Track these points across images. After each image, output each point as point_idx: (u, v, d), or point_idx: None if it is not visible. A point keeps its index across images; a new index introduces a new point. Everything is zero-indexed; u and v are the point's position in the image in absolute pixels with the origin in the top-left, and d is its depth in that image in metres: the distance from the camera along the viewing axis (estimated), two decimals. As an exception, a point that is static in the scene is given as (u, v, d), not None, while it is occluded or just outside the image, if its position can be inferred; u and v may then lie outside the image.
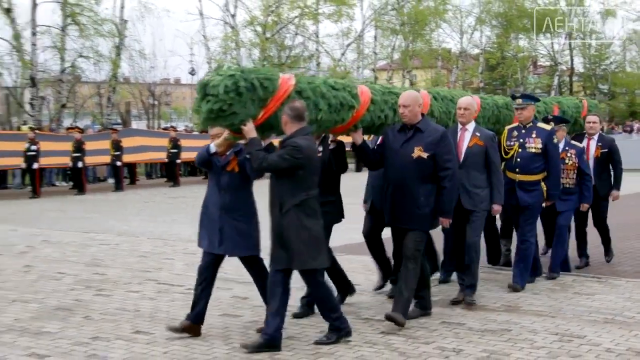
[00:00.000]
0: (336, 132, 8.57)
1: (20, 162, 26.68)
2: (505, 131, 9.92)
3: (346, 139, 8.81)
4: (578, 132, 12.01)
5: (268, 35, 45.41)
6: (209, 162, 7.84)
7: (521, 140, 9.64)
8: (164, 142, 31.53)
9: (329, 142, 8.68)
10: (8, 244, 14.73)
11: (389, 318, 7.96)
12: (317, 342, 7.48)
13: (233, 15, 45.46)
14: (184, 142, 31.45)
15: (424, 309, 8.63)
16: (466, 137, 8.99)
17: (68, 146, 27.31)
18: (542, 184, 9.73)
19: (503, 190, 9.13)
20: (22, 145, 26.14)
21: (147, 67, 44.23)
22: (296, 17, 46.26)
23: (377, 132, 8.90)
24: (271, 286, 7.38)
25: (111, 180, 30.56)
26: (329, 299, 7.61)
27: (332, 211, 8.54)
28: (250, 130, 7.08)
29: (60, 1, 37.12)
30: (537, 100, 10.27)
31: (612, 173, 11.67)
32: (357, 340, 7.78)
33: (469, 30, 51.15)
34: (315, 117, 7.65)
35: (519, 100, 9.74)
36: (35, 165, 25.83)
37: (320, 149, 8.38)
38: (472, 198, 8.94)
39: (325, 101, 7.73)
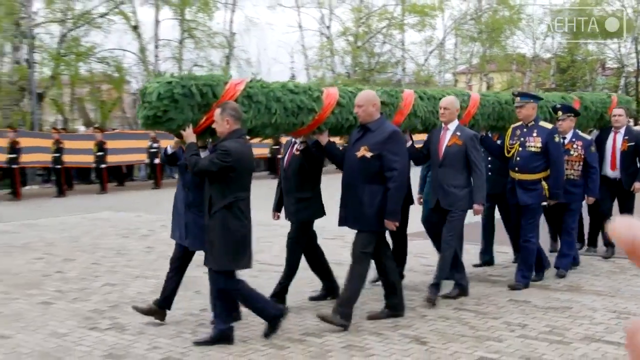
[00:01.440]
0: (299, 134, 7.93)
1: (144, 157, 27.55)
2: (510, 130, 9.07)
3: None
4: (605, 127, 11.07)
5: (359, 44, 45.39)
6: (173, 161, 7.76)
7: (522, 139, 8.74)
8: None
9: (299, 143, 8.07)
10: (134, 228, 15.19)
11: (321, 318, 7.32)
12: (266, 335, 7.01)
13: (328, 27, 45.59)
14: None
15: (395, 310, 7.73)
16: (447, 136, 8.25)
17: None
18: (543, 183, 8.72)
19: (484, 190, 8.25)
20: (146, 144, 26.90)
21: (253, 73, 44.54)
22: (384, 27, 46.20)
23: (347, 133, 8.08)
24: (210, 284, 7.05)
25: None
26: (252, 297, 7.00)
27: (309, 207, 8.10)
28: (188, 135, 6.68)
29: (179, 18, 37.78)
30: (538, 98, 9.26)
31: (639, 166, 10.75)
32: (432, 315, 7.81)
33: (541, 37, 50.20)
34: (269, 121, 7.14)
35: (517, 99, 8.90)
36: (157, 161, 26.37)
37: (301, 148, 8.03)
38: (449, 197, 8.19)
39: (280, 105, 7.17)
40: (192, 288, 8.75)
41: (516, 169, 8.78)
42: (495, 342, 6.82)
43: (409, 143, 8.43)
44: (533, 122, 8.75)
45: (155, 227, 14.91)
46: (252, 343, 7.00)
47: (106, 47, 36.62)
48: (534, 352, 6.52)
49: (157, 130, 7.03)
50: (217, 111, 6.54)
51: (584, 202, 9.95)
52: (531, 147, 8.63)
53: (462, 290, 8.53)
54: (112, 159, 26.89)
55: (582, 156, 9.43)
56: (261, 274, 9.18)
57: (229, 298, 7.03)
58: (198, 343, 6.87)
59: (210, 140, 7.14)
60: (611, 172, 10.40)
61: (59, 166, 24.56)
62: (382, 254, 7.68)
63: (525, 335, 7.03)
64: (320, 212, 8.35)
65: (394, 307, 7.71)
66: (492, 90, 37.17)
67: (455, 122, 8.28)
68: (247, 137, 7.09)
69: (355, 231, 7.57)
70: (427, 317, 7.77)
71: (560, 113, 9.43)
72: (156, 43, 37.49)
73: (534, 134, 8.64)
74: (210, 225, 6.78)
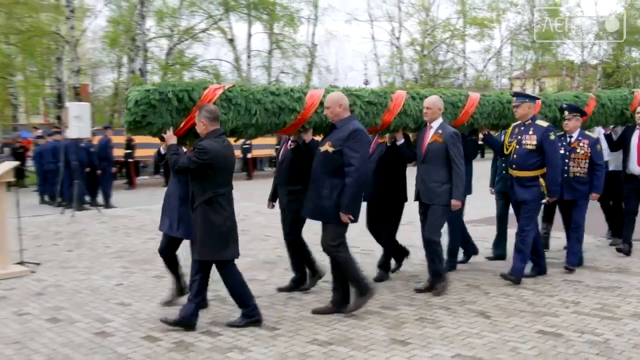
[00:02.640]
0: (284, 133, 7.57)
1: (238, 153, 27.77)
2: (510, 128, 8.45)
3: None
4: (627, 124, 10.20)
5: (425, 52, 45.21)
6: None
7: (519, 137, 8.13)
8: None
9: (291, 140, 7.65)
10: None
11: (314, 312, 7.04)
12: (229, 324, 6.69)
13: (398, 38, 45.62)
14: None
15: (336, 305, 7.09)
16: (429, 134, 7.69)
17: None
18: (541, 180, 8.02)
19: (463, 186, 7.63)
20: (240, 141, 27.04)
21: (331, 79, 44.53)
22: (447, 37, 46.03)
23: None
24: (190, 273, 6.75)
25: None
26: (241, 288, 6.71)
27: (300, 199, 7.48)
28: (169, 137, 6.42)
29: (268, 32, 38.10)
30: (534, 98, 8.51)
31: None
32: (494, 292, 7.71)
33: (589, 45, 49.18)
34: (250, 121, 6.83)
35: (514, 99, 8.26)
36: (249, 155, 26.70)
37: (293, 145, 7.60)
38: (429, 192, 7.66)
39: (260, 106, 6.82)
40: (282, 266, 8.76)
41: (514, 166, 8.20)
42: (551, 317, 6.69)
43: (401, 142, 8.07)
44: (530, 121, 8.14)
45: (249, 213, 15.02)
46: (334, 316, 6.98)
47: (206, 58, 37.35)
48: (587, 326, 6.37)
49: (140, 134, 6.79)
50: (196, 113, 6.41)
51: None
52: (527, 144, 8.02)
53: (440, 278, 7.83)
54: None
55: (588, 154, 8.68)
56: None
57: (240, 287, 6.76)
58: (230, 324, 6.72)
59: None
60: (637, 168, 9.62)
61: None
62: None
63: (579, 312, 6.88)
64: None
65: (338, 303, 7.09)
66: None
67: (439, 121, 7.72)
68: (225, 137, 6.65)
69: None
70: (490, 294, 7.68)
71: (566, 113, 8.82)
72: (248, 53, 38.00)
73: (530, 132, 8.06)
74: (193, 219, 6.60)
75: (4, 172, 9.35)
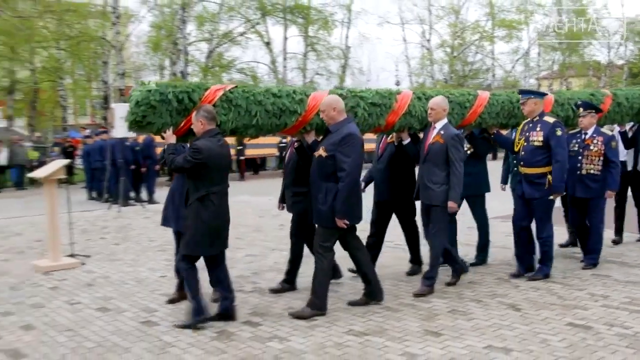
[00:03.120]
0: (286, 134, 7.39)
1: (275, 151, 27.91)
2: (521, 125, 8.06)
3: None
4: None
5: (455, 54, 44.91)
6: None
7: (527, 134, 7.77)
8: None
9: (295, 142, 7.46)
10: (267, 209, 15.34)
11: (291, 315, 6.71)
12: (177, 326, 6.47)
13: (428, 40, 45.36)
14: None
15: (370, 297, 7.03)
16: (432, 134, 7.39)
17: (275, 140, 27.93)
18: (549, 177, 7.62)
19: (460, 189, 7.21)
20: (277, 139, 27.18)
21: (364, 80, 44.35)
22: (476, 39, 45.63)
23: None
24: (179, 272, 6.84)
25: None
26: (193, 286, 6.46)
27: (304, 200, 7.39)
28: (168, 137, 6.35)
29: (303, 35, 38.10)
30: (540, 94, 7.97)
31: None
32: (524, 286, 7.62)
33: (615, 46, 48.45)
34: (250, 122, 6.68)
35: (520, 96, 7.98)
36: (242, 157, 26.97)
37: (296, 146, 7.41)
38: (427, 192, 7.36)
39: (261, 107, 6.67)
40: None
41: (522, 163, 7.84)
42: (581, 310, 6.59)
43: (407, 141, 7.82)
44: (538, 117, 7.76)
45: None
46: (371, 306, 6.97)
47: (244, 60, 37.39)
48: (616, 319, 6.26)
49: (142, 133, 6.71)
50: (194, 113, 6.33)
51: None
52: (534, 141, 7.65)
53: (458, 274, 7.83)
54: (249, 152, 27.38)
55: (602, 151, 8.25)
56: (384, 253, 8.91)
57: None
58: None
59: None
60: None
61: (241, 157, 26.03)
62: (351, 247, 7.02)
63: (608, 305, 6.76)
64: None
65: (369, 294, 7.03)
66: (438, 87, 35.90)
67: (443, 122, 7.40)
68: (221, 136, 6.52)
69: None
70: (520, 287, 7.59)
71: (581, 110, 8.45)
72: (284, 56, 38.11)
73: (537, 129, 7.67)
74: (186, 214, 6.51)
75: (56, 169, 9.47)
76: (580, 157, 8.34)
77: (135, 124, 6.27)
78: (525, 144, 7.77)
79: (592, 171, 8.28)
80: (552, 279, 7.84)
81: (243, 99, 6.59)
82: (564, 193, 7.94)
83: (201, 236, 6.38)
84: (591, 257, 8.51)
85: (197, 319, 6.40)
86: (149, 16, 35.93)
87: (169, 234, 12.10)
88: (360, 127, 7.21)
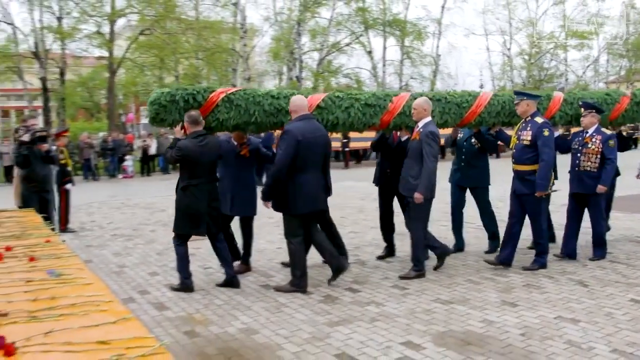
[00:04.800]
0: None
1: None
2: (518, 125, 7.38)
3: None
4: None
5: (532, 61, 43.54)
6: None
7: (519, 133, 7.16)
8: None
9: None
10: (368, 193, 15.03)
11: (275, 289, 6.59)
12: (172, 288, 6.67)
13: (509, 49, 44.09)
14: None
15: (338, 270, 6.63)
16: (415, 132, 6.93)
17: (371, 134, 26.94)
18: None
19: (427, 182, 6.66)
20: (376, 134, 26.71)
21: (452, 84, 43.49)
22: (551, 48, 44.08)
23: (332, 130, 7.06)
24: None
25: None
26: (184, 260, 6.54)
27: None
28: (176, 132, 6.43)
29: (400, 44, 37.78)
30: (533, 96, 7.22)
31: None
32: (591, 265, 7.36)
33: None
34: (250, 119, 6.55)
35: (514, 97, 7.30)
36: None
37: None
38: (405, 185, 6.91)
39: (259, 107, 6.54)
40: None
41: (513, 160, 7.24)
42: (643, 288, 6.29)
43: (404, 138, 7.44)
44: (530, 117, 7.10)
45: (369, 193, 14.80)
46: (455, 278, 6.86)
47: (349, 67, 37.40)
48: (676, 297, 5.95)
49: (159, 127, 6.84)
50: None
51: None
52: (524, 140, 7.03)
53: (441, 257, 7.22)
54: (353, 145, 27.26)
55: (600, 149, 7.41)
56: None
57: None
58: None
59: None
60: None
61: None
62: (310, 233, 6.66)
63: (669, 284, 6.42)
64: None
65: (336, 269, 6.63)
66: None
67: (425, 120, 6.86)
68: (205, 137, 6.42)
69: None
70: (587, 266, 7.30)
71: (582, 110, 7.68)
72: (384, 63, 37.79)
73: (528, 128, 7.04)
74: (175, 200, 6.55)
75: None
76: (579, 155, 7.59)
77: (152, 120, 6.51)
78: (517, 142, 7.20)
79: (588, 168, 7.48)
80: (617, 260, 7.51)
81: (243, 100, 6.56)
82: (550, 192, 7.16)
83: (181, 219, 6.46)
84: (597, 254, 7.65)
85: (179, 287, 6.59)
86: (270, 30, 36.65)
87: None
88: (356, 126, 7.05)
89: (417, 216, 6.89)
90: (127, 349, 2.20)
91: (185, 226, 6.46)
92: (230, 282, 6.69)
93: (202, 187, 6.41)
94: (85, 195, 16.02)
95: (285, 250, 7.82)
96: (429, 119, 6.92)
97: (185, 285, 6.58)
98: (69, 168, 11.04)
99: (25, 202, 8.61)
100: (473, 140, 7.99)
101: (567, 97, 8.09)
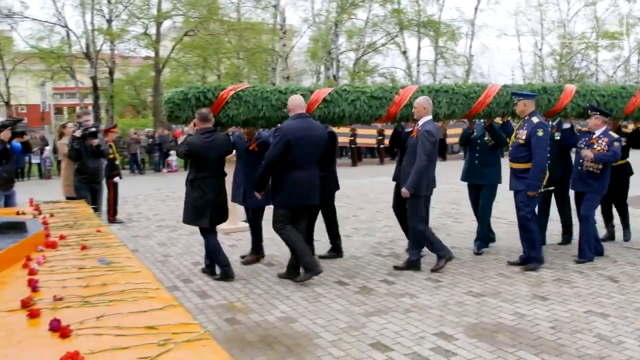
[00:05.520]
0: None
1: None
2: (518, 124, 7.05)
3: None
4: None
5: (563, 61, 42.79)
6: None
7: (517, 131, 6.89)
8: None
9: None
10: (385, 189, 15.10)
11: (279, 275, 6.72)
12: (202, 271, 6.92)
13: (540, 49, 43.41)
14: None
15: (307, 270, 6.44)
16: (414, 129, 6.79)
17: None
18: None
19: (415, 178, 6.54)
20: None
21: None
22: (582, 48, 43.26)
23: (339, 123, 7.02)
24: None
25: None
26: (215, 253, 6.64)
27: (327, 183, 7.09)
28: (189, 128, 6.49)
29: (433, 45, 37.50)
30: (530, 95, 6.89)
31: None
32: (621, 261, 7.22)
33: None
34: (258, 114, 6.51)
35: (514, 97, 6.99)
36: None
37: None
38: (404, 179, 6.75)
39: (267, 102, 6.51)
40: (444, 231, 8.57)
41: (509, 158, 6.99)
42: (674, 284, 6.14)
43: (408, 130, 7.21)
44: (527, 117, 6.84)
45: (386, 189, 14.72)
46: (487, 272, 6.78)
47: (384, 66, 37.36)
48: None
49: (175, 124, 6.88)
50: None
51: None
52: (519, 138, 6.80)
53: (443, 259, 6.84)
54: (387, 141, 26.93)
55: (605, 151, 7.08)
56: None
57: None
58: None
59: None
60: None
61: (353, 145, 25.29)
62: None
63: (699, 281, 6.25)
64: (335, 188, 7.53)
65: (305, 267, 6.47)
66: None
67: (425, 119, 6.72)
68: (213, 134, 6.43)
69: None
70: (617, 262, 7.15)
71: (589, 111, 7.36)
72: (418, 62, 37.48)
73: (524, 127, 6.79)
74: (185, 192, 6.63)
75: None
76: (583, 154, 7.23)
77: (168, 117, 6.60)
78: (514, 140, 6.96)
79: (591, 169, 7.17)
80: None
81: (252, 96, 6.55)
82: (540, 191, 6.82)
83: (187, 210, 6.52)
84: (583, 254, 7.23)
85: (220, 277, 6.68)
86: (308, 31, 36.64)
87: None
88: (362, 118, 6.94)
89: (414, 212, 6.76)
90: (174, 334, 2.23)
91: (191, 217, 6.51)
92: (210, 272, 6.84)
93: (208, 181, 6.44)
94: (132, 188, 16.26)
95: (323, 242, 7.84)
96: (429, 117, 6.78)
97: (225, 273, 6.64)
98: (117, 162, 11.21)
99: (77, 192, 8.79)
100: (486, 137, 7.64)
101: (580, 89, 7.74)
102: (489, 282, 6.40)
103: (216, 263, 6.71)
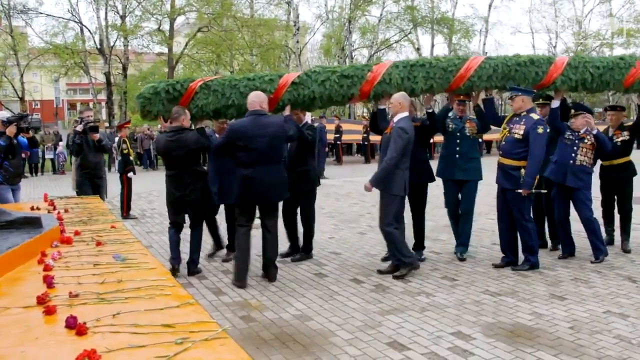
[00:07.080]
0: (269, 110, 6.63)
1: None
2: (509, 116, 6.84)
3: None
4: None
5: (578, 58, 42.63)
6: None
7: (511, 125, 6.59)
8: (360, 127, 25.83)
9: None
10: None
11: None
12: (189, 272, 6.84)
13: (554, 47, 43.22)
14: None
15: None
16: (389, 126, 6.53)
17: (359, 127, 25.96)
18: (522, 171, 6.46)
19: (381, 175, 6.32)
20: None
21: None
22: (597, 46, 42.91)
23: (310, 106, 6.87)
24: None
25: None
26: (171, 243, 6.82)
27: (306, 178, 7.15)
28: (161, 124, 6.69)
29: (447, 42, 37.36)
30: (529, 92, 6.63)
31: None
32: (639, 260, 7.07)
33: None
34: (227, 103, 6.46)
35: (511, 92, 6.70)
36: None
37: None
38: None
39: (235, 90, 6.44)
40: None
41: (501, 152, 6.73)
42: (694, 285, 6.04)
43: (382, 107, 6.95)
44: (525, 113, 6.56)
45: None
46: (503, 271, 6.70)
47: (398, 63, 37.19)
48: None
49: (147, 119, 6.98)
50: None
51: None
52: (515, 133, 6.49)
53: (407, 267, 6.53)
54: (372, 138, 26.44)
55: (595, 145, 6.94)
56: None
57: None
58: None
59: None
60: None
61: (365, 142, 25.15)
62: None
63: None
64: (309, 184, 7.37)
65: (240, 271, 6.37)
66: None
67: (400, 115, 6.42)
68: (177, 134, 6.44)
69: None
70: (636, 262, 7.04)
71: (572, 111, 7.10)
72: (431, 60, 37.53)
73: (522, 123, 6.50)
74: None
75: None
76: (575, 148, 7.03)
77: (141, 113, 6.64)
78: (508, 134, 6.68)
79: (584, 163, 6.99)
80: (667, 256, 7.21)
81: (220, 85, 6.56)
82: (533, 190, 6.57)
83: (166, 205, 6.83)
84: (597, 253, 7.07)
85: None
86: (322, 28, 36.68)
87: (336, 204, 12.22)
88: (334, 98, 6.72)
89: (386, 212, 6.48)
90: (191, 333, 2.19)
91: (168, 212, 6.80)
92: (188, 268, 6.87)
93: (175, 177, 6.63)
94: (145, 184, 16.28)
95: (337, 239, 7.79)
96: (405, 114, 6.48)
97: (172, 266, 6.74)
98: (131, 157, 11.21)
99: (79, 187, 8.81)
100: (467, 131, 7.21)
101: (572, 61, 7.01)
102: (506, 281, 6.32)
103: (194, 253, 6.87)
